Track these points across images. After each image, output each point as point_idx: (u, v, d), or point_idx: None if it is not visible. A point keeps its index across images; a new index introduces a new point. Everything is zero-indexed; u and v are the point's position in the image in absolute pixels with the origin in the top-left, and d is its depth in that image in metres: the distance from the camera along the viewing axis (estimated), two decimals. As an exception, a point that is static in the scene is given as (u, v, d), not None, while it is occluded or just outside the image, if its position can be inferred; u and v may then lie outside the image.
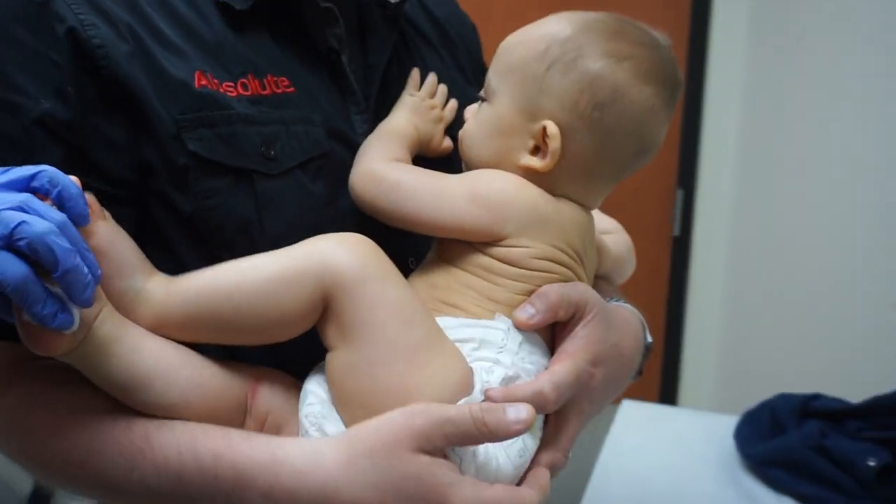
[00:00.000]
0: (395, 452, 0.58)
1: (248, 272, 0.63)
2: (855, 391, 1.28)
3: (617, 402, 1.39)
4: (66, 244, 0.52)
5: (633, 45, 0.70)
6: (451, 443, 0.58)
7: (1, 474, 2.36)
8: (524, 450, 0.64)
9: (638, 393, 1.24)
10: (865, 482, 1.09)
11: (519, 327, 0.66)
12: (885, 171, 1.77)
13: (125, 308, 0.62)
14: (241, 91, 0.69)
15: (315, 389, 0.64)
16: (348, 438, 0.59)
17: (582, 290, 0.68)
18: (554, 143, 0.68)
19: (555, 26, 0.71)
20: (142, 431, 0.61)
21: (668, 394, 2.61)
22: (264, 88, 0.70)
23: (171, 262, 0.68)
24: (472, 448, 0.60)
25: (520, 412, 0.58)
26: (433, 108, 0.80)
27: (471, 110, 0.75)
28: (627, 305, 0.79)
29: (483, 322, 0.67)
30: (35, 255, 0.51)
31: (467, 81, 0.87)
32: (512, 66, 0.71)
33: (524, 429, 0.58)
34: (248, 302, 0.62)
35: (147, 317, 0.62)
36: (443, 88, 0.82)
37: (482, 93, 0.73)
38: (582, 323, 0.67)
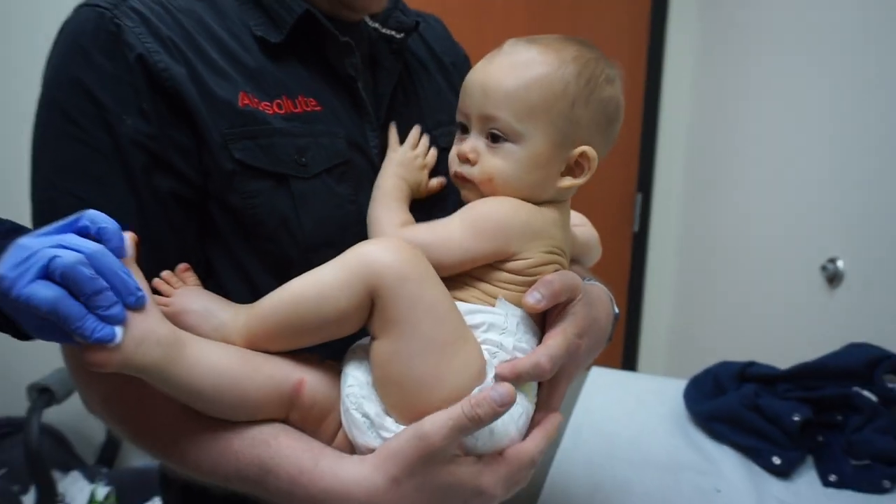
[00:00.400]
0: (428, 469, 0.58)
1: (308, 286, 0.62)
2: (783, 360, 1.29)
3: (587, 369, 1.40)
4: (90, 272, 0.52)
5: (611, 67, 0.71)
6: (460, 438, 0.59)
7: (78, 426, 2.36)
8: (526, 414, 0.65)
9: (604, 361, 1.25)
10: (791, 434, 1.10)
11: (527, 310, 0.66)
12: (804, 170, 1.78)
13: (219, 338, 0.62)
14: (276, 110, 0.69)
15: (354, 373, 0.64)
16: (384, 464, 0.59)
17: (573, 277, 0.68)
18: (594, 163, 0.69)
19: (559, 68, 0.68)
20: (226, 439, 0.61)
21: (629, 362, 2.62)
22: (296, 107, 0.71)
23: (225, 252, 0.70)
24: (486, 429, 0.61)
25: (503, 395, 0.58)
26: (416, 157, 0.77)
27: (476, 151, 0.69)
28: (598, 283, 0.80)
29: (488, 308, 0.66)
30: (66, 282, 0.51)
31: None
32: (535, 109, 0.67)
33: (509, 406, 0.58)
34: (311, 309, 0.61)
35: (238, 341, 0.62)
36: (424, 140, 0.79)
37: (493, 130, 0.68)
38: (573, 303, 0.67)
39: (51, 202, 0.64)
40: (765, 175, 1.99)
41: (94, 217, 0.55)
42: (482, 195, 0.70)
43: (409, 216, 0.71)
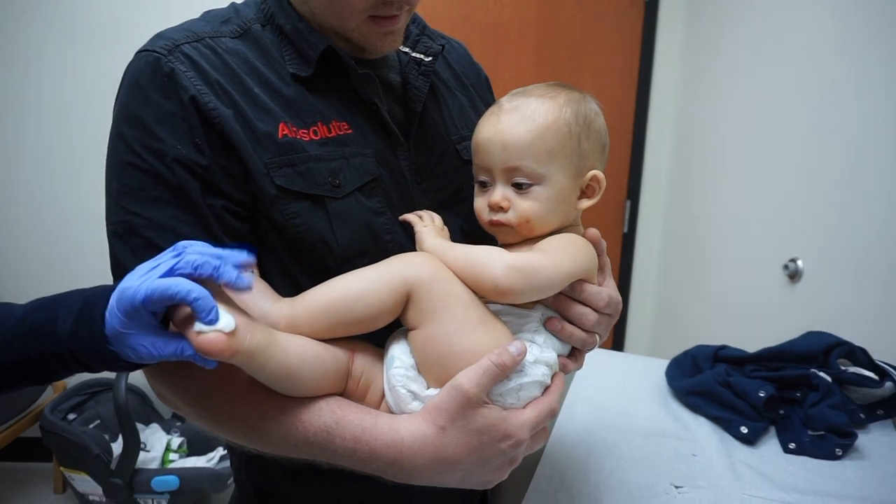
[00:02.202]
0: (466, 414, 0.59)
1: (355, 282, 0.62)
2: (751, 344, 1.27)
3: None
4: (215, 263, 0.51)
5: (593, 101, 0.72)
6: (489, 386, 0.59)
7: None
8: (547, 374, 0.65)
9: (597, 343, 1.24)
10: (757, 407, 1.08)
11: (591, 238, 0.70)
12: (770, 182, 1.75)
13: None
14: (312, 136, 0.68)
15: (400, 355, 0.63)
16: (431, 416, 0.59)
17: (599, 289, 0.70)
18: (603, 183, 0.70)
19: (557, 112, 0.67)
20: (295, 412, 0.60)
21: (618, 343, 2.60)
22: (330, 132, 0.69)
23: (274, 259, 0.69)
24: (515, 387, 0.62)
25: (518, 347, 0.61)
26: (441, 228, 0.73)
27: (508, 199, 0.67)
28: None
29: (523, 311, 0.66)
30: (197, 272, 0.50)
31: None
32: (552, 152, 0.66)
33: (524, 355, 0.61)
34: (357, 300, 0.60)
35: (280, 327, 0.60)
36: (437, 216, 0.75)
37: (519, 180, 0.67)
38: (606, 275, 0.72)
39: (125, 224, 0.63)
40: (736, 185, 1.96)
41: (186, 243, 0.54)
42: (520, 235, 0.69)
43: None
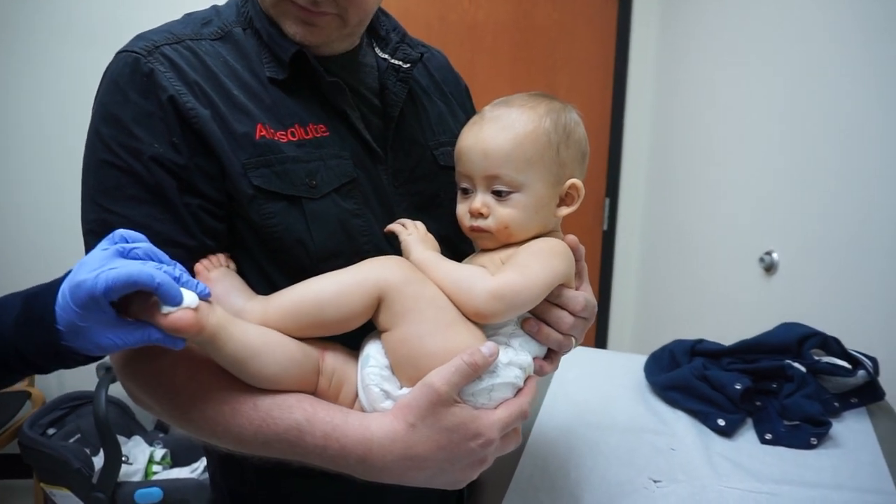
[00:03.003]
0: (437, 412, 0.59)
1: (327, 284, 0.62)
2: (727, 337, 1.29)
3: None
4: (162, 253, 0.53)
5: (573, 111, 0.73)
6: (460, 385, 0.60)
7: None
8: (520, 376, 0.66)
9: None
10: (734, 400, 1.10)
11: (570, 243, 0.71)
12: (745, 179, 1.78)
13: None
14: (290, 137, 0.68)
15: (375, 355, 0.64)
16: (402, 413, 0.60)
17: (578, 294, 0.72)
18: (581, 191, 0.71)
19: (537, 122, 0.69)
20: (266, 408, 0.60)
21: (600, 340, 2.62)
22: (307, 134, 0.69)
23: (250, 259, 0.69)
24: (486, 388, 0.62)
25: (490, 348, 0.61)
26: (426, 234, 0.74)
27: (488, 206, 0.69)
28: None
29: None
30: (151, 258, 0.52)
31: (459, 126, 0.82)
32: (531, 161, 0.68)
33: (495, 356, 0.62)
34: (328, 303, 0.61)
35: (252, 321, 0.61)
36: (420, 224, 0.75)
37: (499, 188, 0.69)
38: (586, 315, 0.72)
39: (100, 221, 0.64)
40: (713, 182, 1.99)
41: (126, 233, 0.54)
42: (499, 241, 0.70)
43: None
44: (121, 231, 0.54)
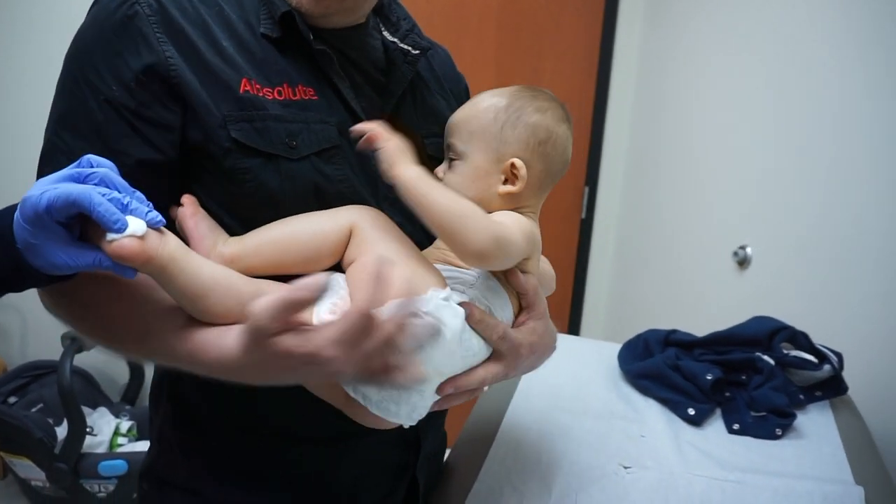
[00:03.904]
0: (261, 342, 0.55)
1: (304, 221, 0.66)
2: (699, 328, 1.31)
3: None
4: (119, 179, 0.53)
5: (547, 101, 0.73)
6: (282, 316, 0.54)
7: (106, 369, 2.33)
8: (469, 356, 0.67)
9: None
10: (704, 390, 1.12)
11: (512, 282, 0.71)
12: (720, 173, 1.80)
13: (209, 256, 0.63)
14: (276, 96, 0.68)
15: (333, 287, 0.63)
16: (240, 337, 0.58)
17: (543, 296, 0.75)
18: (522, 171, 0.70)
19: (493, 100, 0.72)
20: (151, 313, 0.62)
21: (573, 327, 2.64)
22: (295, 95, 0.69)
23: (227, 215, 0.69)
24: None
25: (318, 281, 0.53)
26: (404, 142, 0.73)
27: (440, 170, 0.74)
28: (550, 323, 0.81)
29: (463, 270, 0.69)
30: (106, 184, 0.51)
31: None
32: (473, 133, 0.71)
33: (322, 290, 0.54)
34: (302, 233, 0.64)
35: (224, 258, 0.63)
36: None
37: (450, 155, 0.73)
38: (534, 317, 0.73)
39: (50, 144, 0.65)
40: (691, 176, 2.01)
41: (93, 158, 0.54)
42: None
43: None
44: (88, 156, 0.54)
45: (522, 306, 0.73)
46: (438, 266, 0.69)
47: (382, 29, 0.81)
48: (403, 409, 0.64)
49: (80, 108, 0.64)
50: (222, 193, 0.67)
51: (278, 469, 0.76)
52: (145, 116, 0.64)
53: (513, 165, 0.70)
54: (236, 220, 0.68)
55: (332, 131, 0.71)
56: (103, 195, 0.51)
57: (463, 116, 0.73)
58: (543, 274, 0.84)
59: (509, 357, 0.69)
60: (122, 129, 0.63)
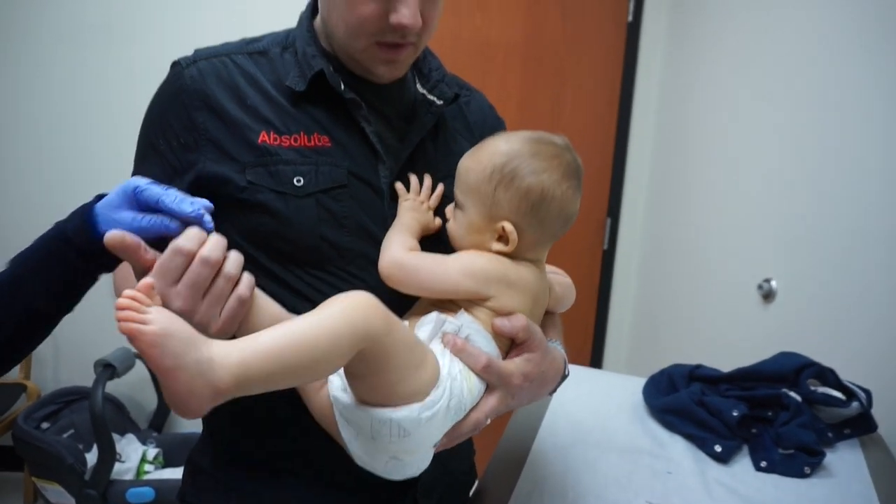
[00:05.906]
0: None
1: (306, 335, 0.57)
2: (725, 364, 1.30)
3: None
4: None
5: (547, 159, 0.71)
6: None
7: (135, 396, 2.37)
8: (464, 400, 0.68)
9: (575, 360, 1.25)
10: (730, 426, 1.11)
11: (494, 329, 0.71)
12: (745, 206, 1.80)
13: (203, 374, 0.52)
14: (292, 143, 0.76)
15: (336, 380, 0.67)
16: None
17: (537, 329, 0.73)
18: (512, 235, 0.71)
19: (493, 156, 0.72)
20: None
21: (596, 361, 2.62)
22: (309, 142, 0.76)
23: (249, 246, 0.75)
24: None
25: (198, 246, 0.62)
26: (423, 202, 0.80)
27: (450, 210, 0.77)
28: (559, 347, 0.82)
29: (448, 317, 0.71)
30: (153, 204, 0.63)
31: None
32: (470, 187, 0.72)
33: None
34: (308, 358, 0.57)
35: (227, 379, 0.53)
36: (427, 181, 0.81)
37: (455, 200, 0.75)
38: (528, 349, 0.72)
39: (135, 168, 0.80)
40: (713, 207, 2.01)
41: (140, 181, 0.63)
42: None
43: (417, 244, 0.75)
44: (134, 180, 0.63)
45: (515, 344, 0.73)
46: (428, 317, 0.70)
47: (416, 81, 0.86)
48: (393, 468, 0.68)
49: (146, 152, 0.79)
50: (243, 222, 0.75)
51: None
52: (173, 162, 0.76)
53: (503, 229, 0.71)
54: (251, 244, 0.76)
55: (341, 173, 0.76)
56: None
57: (465, 167, 0.74)
58: (559, 284, 0.85)
59: (501, 387, 0.71)
60: (160, 170, 0.76)
